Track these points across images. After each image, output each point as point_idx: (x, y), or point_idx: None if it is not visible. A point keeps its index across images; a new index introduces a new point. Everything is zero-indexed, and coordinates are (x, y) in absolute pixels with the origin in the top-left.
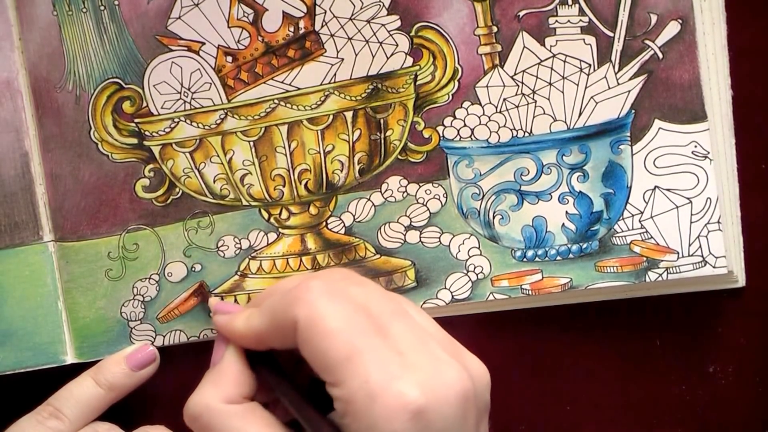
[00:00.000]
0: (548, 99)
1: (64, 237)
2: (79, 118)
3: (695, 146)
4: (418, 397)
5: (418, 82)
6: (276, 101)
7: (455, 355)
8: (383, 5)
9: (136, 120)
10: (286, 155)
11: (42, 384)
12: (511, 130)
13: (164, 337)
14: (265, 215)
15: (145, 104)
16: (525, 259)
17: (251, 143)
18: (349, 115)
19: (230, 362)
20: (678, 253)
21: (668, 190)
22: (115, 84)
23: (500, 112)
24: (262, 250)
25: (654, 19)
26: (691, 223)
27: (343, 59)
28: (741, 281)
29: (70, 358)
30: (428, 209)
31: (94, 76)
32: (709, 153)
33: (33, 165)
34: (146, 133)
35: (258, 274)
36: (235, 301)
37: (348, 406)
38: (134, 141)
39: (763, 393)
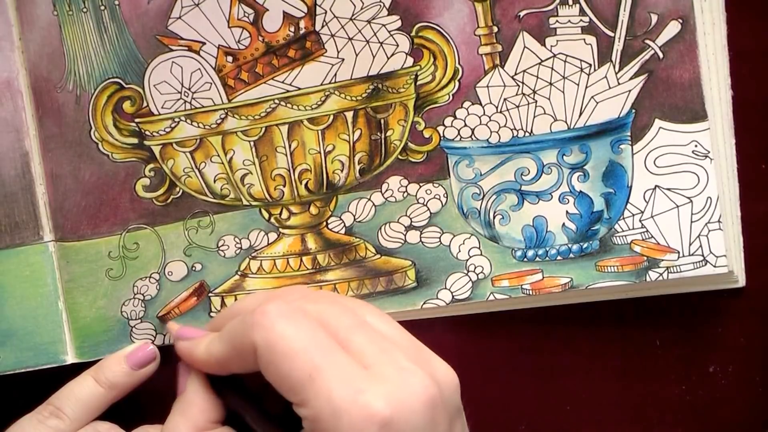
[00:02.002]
0: (549, 99)
1: (65, 237)
2: (79, 118)
3: (695, 146)
4: (384, 408)
5: (418, 82)
6: (276, 101)
7: (420, 361)
8: (384, 5)
9: (137, 120)
10: (286, 155)
11: (42, 384)
12: (511, 129)
13: (165, 336)
14: (266, 215)
15: (145, 104)
16: (525, 259)
17: (252, 143)
18: (349, 115)
19: (195, 391)
20: (678, 252)
21: (669, 189)
22: (115, 84)
23: (501, 112)
24: (262, 249)
25: (654, 18)
26: (692, 222)
27: (343, 59)
28: (741, 281)
29: (70, 358)
30: (429, 209)
31: (94, 75)
32: (709, 152)
33: (33, 165)
34: (146, 132)
35: (258, 274)
36: (236, 300)
37: (315, 425)
38: (134, 141)
39: (763, 393)
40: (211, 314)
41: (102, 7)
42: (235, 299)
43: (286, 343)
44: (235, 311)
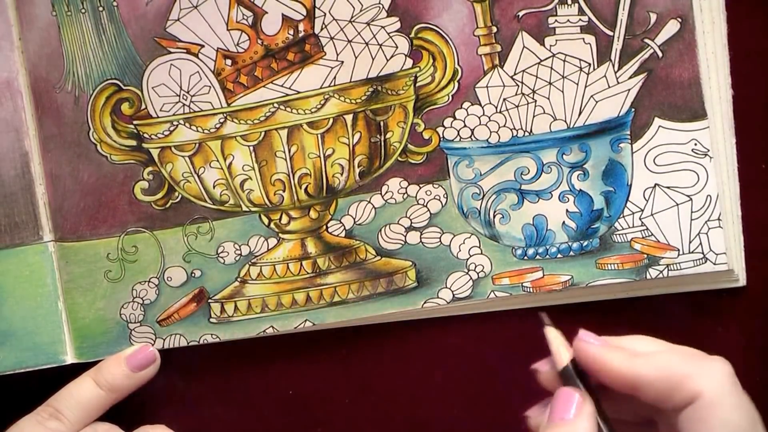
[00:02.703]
0: (548, 98)
1: (64, 237)
2: (78, 119)
3: (695, 144)
4: None
5: (417, 84)
6: (276, 105)
7: None
8: (383, 7)
9: (135, 122)
10: (286, 160)
11: (42, 384)
12: (511, 129)
13: (164, 340)
14: (265, 221)
15: (143, 106)
16: (526, 258)
17: (251, 148)
18: (349, 118)
19: (586, 423)
20: (678, 250)
21: (668, 187)
22: (113, 85)
23: (500, 112)
24: (262, 255)
25: (653, 18)
26: (692, 220)
27: (342, 62)
28: (741, 280)
29: (70, 358)
30: (429, 210)
31: (92, 76)
32: (709, 150)
33: (33, 165)
34: (145, 135)
35: (258, 280)
36: (236, 307)
37: None
38: (133, 143)
39: (763, 393)
40: (211, 320)
41: (100, 8)
42: (235, 305)
43: (735, 413)
44: (663, 349)
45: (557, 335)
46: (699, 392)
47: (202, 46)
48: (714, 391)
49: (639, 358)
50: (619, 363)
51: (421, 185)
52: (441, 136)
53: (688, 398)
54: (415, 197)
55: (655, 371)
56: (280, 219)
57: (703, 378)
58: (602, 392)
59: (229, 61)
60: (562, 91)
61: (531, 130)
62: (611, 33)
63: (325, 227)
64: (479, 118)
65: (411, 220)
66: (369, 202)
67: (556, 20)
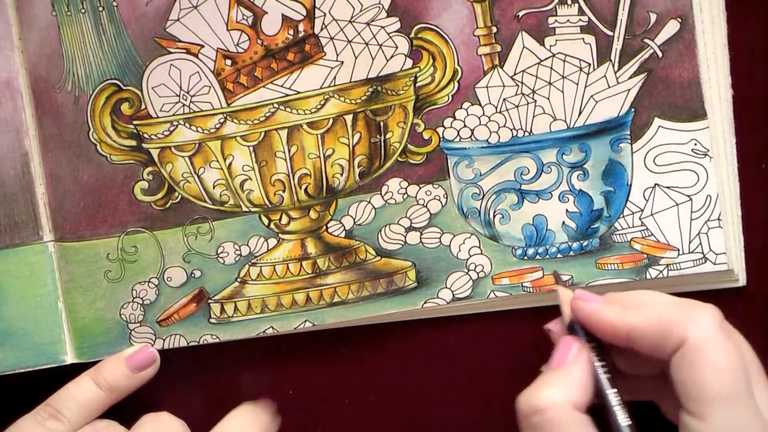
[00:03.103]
0: (548, 98)
1: (64, 237)
2: (78, 119)
3: (695, 144)
4: None
5: (417, 84)
6: (275, 105)
7: None
8: (383, 7)
9: (135, 122)
10: (286, 160)
11: (42, 384)
12: (511, 129)
13: (164, 340)
14: (265, 221)
15: (143, 106)
16: (526, 257)
17: (251, 148)
18: (349, 118)
19: (583, 368)
20: (678, 250)
21: (668, 187)
22: (113, 85)
23: (500, 112)
24: (262, 256)
25: (653, 18)
26: (692, 220)
27: (342, 62)
28: (742, 280)
29: (69, 358)
30: (428, 210)
31: (92, 77)
32: (709, 151)
33: (33, 165)
34: (145, 135)
35: (258, 281)
36: (236, 307)
37: None
38: (133, 143)
39: None
40: (211, 320)
41: (100, 9)
42: (235, 306)
43: (719, 355)
44: (642, 301)
45: (567, 293)
46: (685, 337)
47: (202, 46)
48: (699, 335)
49: (631, 311)
50: (613, 316)
51: (421, 185)
52: (441, 136)
53: (677, 344)
54: (415, 197)
55: (646, 321)
56: (280, 219)
57: (690, 323)
58: (615, 349)
59: (229, 62)
60: (562, 91)
61: (531, 130)
62: (611, 33)
63: (325, 227)
64: (479, 118)
65: (411, 220)
66: (369, 202)
67: (556, 20)
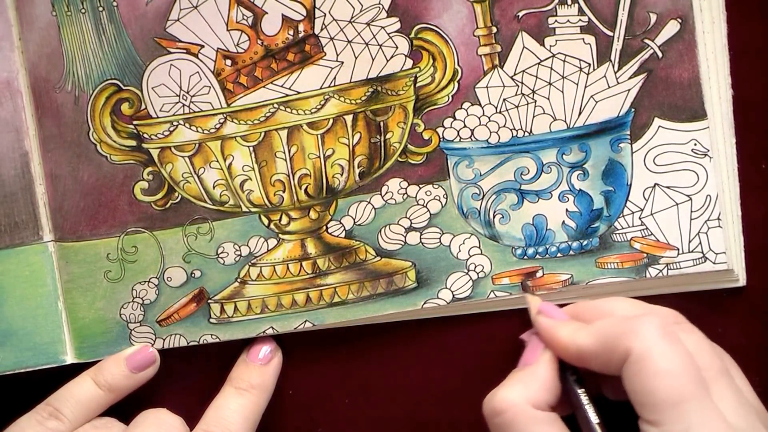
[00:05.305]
0: (548, 98)
1: (64, 237)
2: (78, 119)
3: (695, 144)
4: None
5: (417, 84)
6: (275, 105)
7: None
8: (383, 7)
9: (135, 122)
10: (286, 160)
11: (42, 384)
12: (510, 130)
13: (164, 340)
14: (265, 221)
15: (143, 106)
16: (526, 257)
17: (251, 148)
18: (349, 118)
19: (545, 367)
20: (678, 249)
21: (668, 187)
22: (113, 85)
23: (500, 112)
24: (262, 256)
25: (653, 18)
26: (691, 220)
27: (342, 62)
28: (742, 280)
29: (69, 358)
30: (428, 210)
31: (92, 77)
32: (708, 151)
33: (33, 165)
34: (145, 135)
35: (258, 281)
36: (236, 307)
37: None
38: (133, 143)
39: (764, 393)
40: (211, 320)
41: (100, 9)
42: (235, 306)
43: (663, 361)
44: (606, 310)
45: (536, 301)
46: (629, 348)
47: (202, 46)
48: (642, 345)
49: (581, 330)
50: (564, 335)
51: (421, 186)
52: (441, 136)
53: (623, 357)
54: (415, 198)
55: (593, 340)
56: (280, 219)
57: (632, 334)
58: (601, 377)
59: (229, 62)
60: (562, 92)
61: (531, 131)
62: (611, 33)
63: (325, 228)
64: (479, 118)
65: (411, 220)
66: (369, 202)
67: (556, 20)
